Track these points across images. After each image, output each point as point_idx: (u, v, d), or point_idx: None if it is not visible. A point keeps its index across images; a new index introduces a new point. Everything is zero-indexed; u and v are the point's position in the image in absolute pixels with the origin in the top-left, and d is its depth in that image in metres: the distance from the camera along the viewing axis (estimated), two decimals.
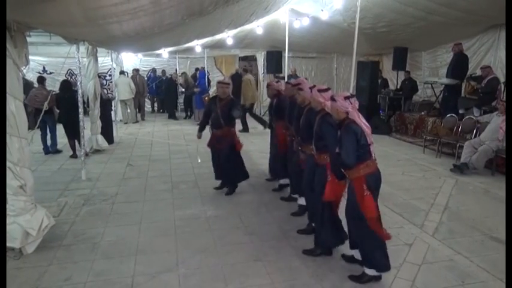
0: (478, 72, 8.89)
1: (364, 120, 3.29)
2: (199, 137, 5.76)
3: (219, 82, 5.60)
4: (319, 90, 3.84)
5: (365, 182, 3.24)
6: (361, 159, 3.24)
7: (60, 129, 8.16)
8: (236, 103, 5.65)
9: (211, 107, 5.54)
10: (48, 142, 8.33)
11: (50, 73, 13.98)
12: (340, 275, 3.54)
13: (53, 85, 13.76)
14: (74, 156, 7.94)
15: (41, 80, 8.38)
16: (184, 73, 14.23)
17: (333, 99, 3.34)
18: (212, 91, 13.20)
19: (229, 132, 5.53)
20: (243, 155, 5.93)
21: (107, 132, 9.06)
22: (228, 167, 5.63)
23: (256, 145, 8.86)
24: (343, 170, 3.39)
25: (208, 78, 14.25)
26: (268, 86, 6.16)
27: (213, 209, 5.17)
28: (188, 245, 4.15)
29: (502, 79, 8.28)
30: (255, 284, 3.43)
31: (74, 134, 7.67)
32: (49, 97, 6.06)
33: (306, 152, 4.24)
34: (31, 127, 5.39)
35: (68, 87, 7.93)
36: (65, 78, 12.05)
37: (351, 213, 3.41)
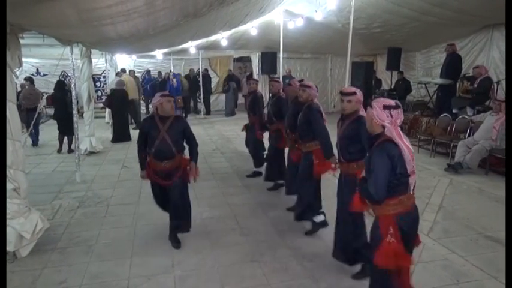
0: (471, 72, 8.97)
1: (407, 141, 2.47)
2: (144, 177, 4.24)
3: (162, 95, 4.01)
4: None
5: (394, 222, 2.47)
6: (393, 192, 2.46)
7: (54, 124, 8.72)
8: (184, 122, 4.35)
9: (151, 131, 4.03)
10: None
11: (44, 75, 13.92)
12: (337, 276, 3.54)
13: (47, 87, 13.73)
14: (59, 150, 8.49)
15: (31, 80, 9.18)
16: (178, 74, 14.21)
17: (370, 104, 2.59)
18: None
19: (181, 161, 4.20)
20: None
21: (124, 130, 9.90)
22: (183, 203, 4.24)
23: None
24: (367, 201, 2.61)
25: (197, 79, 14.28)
26: (272, 81, 6.01)
27: (209, 210, 5.16)
28: (184, 246, 4.13)
29: (495, 79, 8.35)
30: (251, 285, 3.43)
31: (63, 129, 8.35)
32: (41, 97, 6.13)
33: (302, 149, 4.41)
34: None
35: (61, 87, 8.47)
36: (60, 79, 12.08)
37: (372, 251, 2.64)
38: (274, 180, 6.01)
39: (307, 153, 4.36)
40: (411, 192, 2.56)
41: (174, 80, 12.83)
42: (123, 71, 12.59)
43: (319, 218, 4.40)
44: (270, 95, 6.44)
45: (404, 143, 2.44)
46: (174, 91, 11.99)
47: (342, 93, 3.44)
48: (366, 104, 2.73)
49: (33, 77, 13.94)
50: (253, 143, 6.66)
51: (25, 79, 9.42)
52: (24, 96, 8.54)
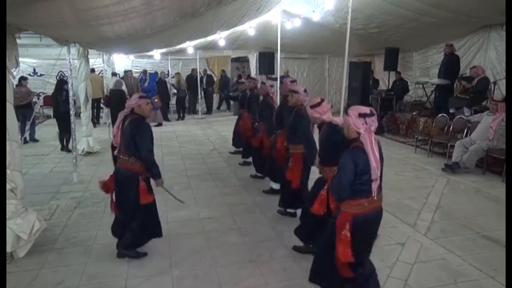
0: (468, 73, 9.00)
1: (376, 149, 2.65)
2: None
3: (140, 97, 3.81)
4: (312, 106, 3.67)
5: (350, 221, 2.72)
6: (356, 194, 2.70)
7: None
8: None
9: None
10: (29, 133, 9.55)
11: (41, 75, 13.88)
12: None
13: (43, 87, 13.68)
14: (62, 148, 8.61)
15: (23, 79, 9.47)
16: (177, 74, 14.20)
17: (347, 112, 2.79)
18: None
19: (132, 166, 3.68)
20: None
21: None
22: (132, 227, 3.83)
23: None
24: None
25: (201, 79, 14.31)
26: (281, 83, 6.02)
27: (207, 211, 5.15)
28: (182, 247, 4.13)
29: (492, 79, 8.38)
30: (249, 285, 3.43)
31: (62, 128, 8.33)
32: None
33: (290, 150, 4.65)
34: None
35: (58, 86, 8.45)
36: (60, 78, 12.21)
37: (325, 237, 3.01)
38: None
39: (290, 154, 4.62)
40: (373, 196, 2.72)
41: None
42: (92, 70, 12.53)
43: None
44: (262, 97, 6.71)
45: (373, 151, 2.61)
46: (146, 91, 12.07)
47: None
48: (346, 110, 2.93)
49: (30, 77, 14.00)
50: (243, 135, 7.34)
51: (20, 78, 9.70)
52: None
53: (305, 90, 4.68)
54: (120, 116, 3.78)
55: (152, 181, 3.84)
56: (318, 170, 3.81)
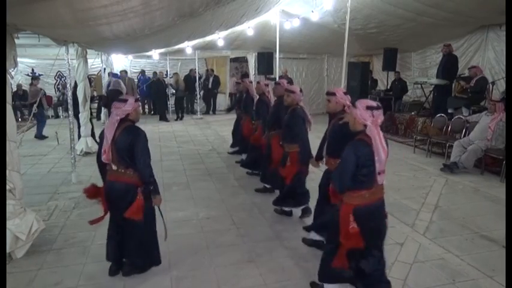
0: (467, 73, 9.02)
1: (383, 142, 2.66)
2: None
3: (136, 100, 3.40)
4: (344, 93, 3.73)
5: (352, 213, 2.75)
6: (357, 186, 2.72)
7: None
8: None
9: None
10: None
11: (39, 75, 13.83)
12: None
13: (42, 87, 13.64)
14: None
15: (34, 78, 10.14)
16: (175, 74, 14.20)
17: (354, 104, 2.82)
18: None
19: (129, 178, 3.28)
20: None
21: None
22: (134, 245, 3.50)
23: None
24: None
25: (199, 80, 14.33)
26: (277, 84, 5.66)
27: (205, 211, 5.15)
28: (180, 247, 4.13)
29: (490, 79, 8.40)
30: (248, 285, 3.42)
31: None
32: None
33: (285, 149, 4.69)
34: None
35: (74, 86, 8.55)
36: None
37: (330, 227, 3.07)
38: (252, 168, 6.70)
39: (286, 153, 4.68)
40: (376, 187, 2.78)
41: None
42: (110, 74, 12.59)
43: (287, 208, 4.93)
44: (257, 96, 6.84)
45: (382, 143, 2.63)
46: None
47: (326, 93, 3.84)
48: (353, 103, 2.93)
49: (29, 77, 13.99)
50: (242, 138, 7.47)
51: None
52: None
53: (300, 90, 4.69)
54: (111, 127, 3.19)
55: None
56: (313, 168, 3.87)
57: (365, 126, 2.68)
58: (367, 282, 2.94)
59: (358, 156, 2.64)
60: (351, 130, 2.84)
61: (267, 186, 5.81)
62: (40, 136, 10.10)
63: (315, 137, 4.55)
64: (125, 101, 3.22)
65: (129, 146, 3.17)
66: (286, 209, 4.93)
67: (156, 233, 3.60)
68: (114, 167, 3.25)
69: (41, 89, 10.08)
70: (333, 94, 3.69)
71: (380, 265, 2.96)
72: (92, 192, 3.45)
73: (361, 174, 2.69)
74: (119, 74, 12.61)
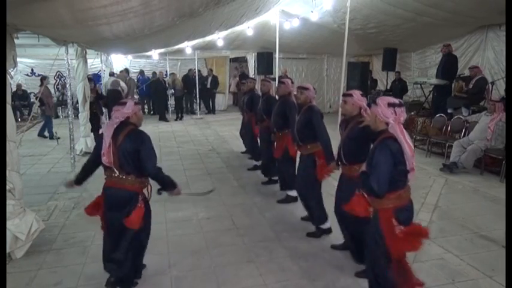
0: (467, 73, 9.02)
1: (408, 138, 2.58)
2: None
3: (136, 103, 3.26)
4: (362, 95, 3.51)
5: (393, 216, 2.63)
6: (393, 187, 2.58)
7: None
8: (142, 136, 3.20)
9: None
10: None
11: (39, 75, 13.83)
12: (333, 275, 3.55)
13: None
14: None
15: (43, 78, 9.87)
16: (173, 74, 14.20)
17: (374, 102, 2.70)
18: None
19: (131, 185, 3.14)
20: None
21: None
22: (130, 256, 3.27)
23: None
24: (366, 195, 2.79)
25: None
26: (281, 83, 5.46)
27: (205, 211, 5.15)
28: (180, 247, 4.13)
29: (490, 79, 8.40)
30: (248, 286, 3.42)
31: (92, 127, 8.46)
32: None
33: (303, 152, 4.46)
34: None
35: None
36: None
37: (371, 246, 2.80)
38: (269, 175, 6.31)
39: (308, 155, 4.34)
40: (408, 187, 2.69)
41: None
42: (111, 74, 12.56)
43: (326, 225, 4.35)
44: (261, 93, 6.68)
45: (406, 140, 2.54)
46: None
47: (342, 94, 3.64)
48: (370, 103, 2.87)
49: (28, 77, 14.00)
50: (250, 138, 7.34)
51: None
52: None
53: (314, 88, 4.48)
54: (110, 128, 3.06)
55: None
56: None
57: (387, 124, 2.60)
58: None
59: (394, 154, 2.52)
60: (373, 130, 2.74)
61: (292, 195, 5.36)
62: (51, 135, 10.02)
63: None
64: (124, 103, 3.11)
65: (134, 151, 3.04)
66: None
67: (147, 244, 3.45)
68: (115, 173, 3.08)
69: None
70: (350, 95, 3.50)
71: None
72: (92, 208, 3.31)
73: (397, 174, 2.57)
74: (114, 73, 12.62)
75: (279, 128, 5.23)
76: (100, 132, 3.27)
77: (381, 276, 2.75)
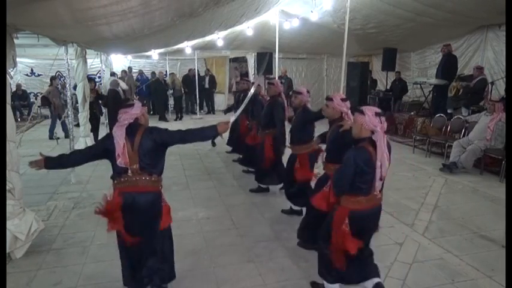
0: (466, 73, 9.03)
1: (386, 149, 2.71)
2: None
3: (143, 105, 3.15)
4: (342, 100, 3.66)
5: (347, 216, 2.82)
6: (354, 191, 2.78)
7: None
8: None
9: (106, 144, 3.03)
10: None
11: (38, 75, 13.84)
12: None
13: (41, 87, 13.64)
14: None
15: (53, 78, 10.67)
16: (172, 74, 14.19)
17: (361, 111, 2.77)
18: None
19: (154, 186, 3.04)
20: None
21: None
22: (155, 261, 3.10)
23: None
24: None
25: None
26: (271, 84, 5.63)
27: (205, 211, 5.15)
28: (179, 247, 4.09)
29: (490, 79, 8.41)
30: (247, 286, 3.42)
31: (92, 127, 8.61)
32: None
33: (295, 151, 4.69)
34: None
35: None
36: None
37: (323, 230, 3.11)
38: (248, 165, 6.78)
39: (295, 155, 4.68)
40: (375, 194, 2.81)
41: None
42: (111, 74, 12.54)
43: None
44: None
45: (385, 151, 2.68)
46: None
47: (325, 98, 3.90)
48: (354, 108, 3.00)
49: (28, 77, 13.97)
50: (237, 135, 7.58)
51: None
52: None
53: (307, 91, 4.67)
54: (120, 129, 2.94)
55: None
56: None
57: (372, 132, 2.72)
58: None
59: (357, 164, 2.68)
60: (354, 137, 2.85)
61: (263, 186, 5.85)
62: (52, 135, 9.91)
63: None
64: (131, 105, 3.01)
65: (154, 144, 2.96)
66: (297, 208, 4.92)
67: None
68: (135, 177, 2.95)
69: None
70: (331, 100, 3.70)
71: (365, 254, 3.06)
72: (114, 223, 3.00)
73: (360, 181, 2.74)
74: (115, 73, 12.62)
75: (263, 127, 5.59)
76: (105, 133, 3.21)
77: (321, 255, 3.15)
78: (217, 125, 3.06)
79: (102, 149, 3.04)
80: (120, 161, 2.91)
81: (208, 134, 3.11)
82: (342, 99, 3.67)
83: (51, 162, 3.18)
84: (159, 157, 3.04)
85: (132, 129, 2.96)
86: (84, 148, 3.35)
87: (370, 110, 2.75)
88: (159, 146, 3.00)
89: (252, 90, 4.23)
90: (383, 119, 2.74)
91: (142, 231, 3.00)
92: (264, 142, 5.54)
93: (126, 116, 2.95)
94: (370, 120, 2.71)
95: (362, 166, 2.68)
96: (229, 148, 8.38)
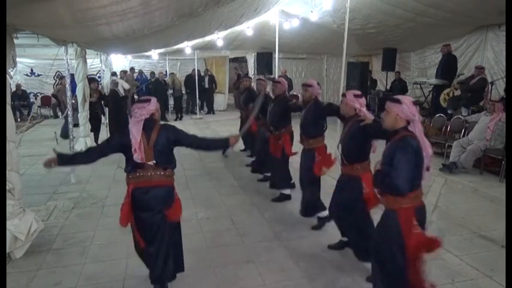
0: (466, 73, 9.03)
1: (424, 138, 2.58)
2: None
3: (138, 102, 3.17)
4: (355, 96, 3.56)
5: (414, 215, 2.59)
6: (414, 185, 2.56)
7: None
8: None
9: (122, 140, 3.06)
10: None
11: (38, 75, 13.84)
12: (332, 276, 3.55)
13: (41, 87, 13.66)
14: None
15: (61, 77, 10.72)
16: (172, 74, 14.19)
17: (397, 101, 2.60)
18: None
19: (168, 180, 3.18)
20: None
21: (118, 130, 10.10)
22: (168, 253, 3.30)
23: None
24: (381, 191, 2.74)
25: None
26: (276, 82, 5.53)
27: (204, 211, 5.15)
28: None
29: (489, 79, 8.41)
30: (247, 286, 3.42)
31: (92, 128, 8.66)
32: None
33: (305, 146, 4.61)
34: None
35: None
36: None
37: (384, 245, 2.71)
38: (262, 172, 6.48)
39: (309, 150, 4.52)
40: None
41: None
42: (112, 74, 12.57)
43: (324, 213, 4.46)
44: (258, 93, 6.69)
45: (425, 139, 2.55)
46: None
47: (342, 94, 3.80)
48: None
49: (28, 77, 13.98)
50: (250, 136, 7.23)
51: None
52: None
53: (318, 83, 4.58)
54: (137, 125, 2.98)
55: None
56: None
57: (408, 122, 2.57)
58: None
59: (416, 152, 2.49)
60: (388, 129, 2.68)
61: (285, 193, 5.48)
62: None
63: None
64: (148, 100, 3.07)
65: (168, 140, 3.05)
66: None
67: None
68: (151, 171, 3.02)
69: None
70: (344, 95, 3.64)
71: None
72: (126, 218, 3.13)
73: (419, 172, 2.54)
74: (115, 73, 12.63)
75: (275, 127, 5.30)
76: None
77: (394, 275, 2.68)
78: (229, 138, 3.27)
79: (119, 144, 3.07)
80: (136, 156, 2.95)
81: (220, 145, 3.37)
82: (355, 95, 3.57)
83: (63, 160, 3.15)
84: (170, 153, 3.14)
85: (148, 125, 3.01)
86: (100, 144, 3.40)
87: (407, 99, 2.61)
88: (171, 144, 3.09)
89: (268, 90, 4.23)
90: (418, 108, 2.62)
91: (151, 225, 3.12)
92: (283, 140, 5.25)
93: (143, 112, 2.98)
94: (409, 108, 2.54)
95: (419, 154, 2.49)
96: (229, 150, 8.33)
